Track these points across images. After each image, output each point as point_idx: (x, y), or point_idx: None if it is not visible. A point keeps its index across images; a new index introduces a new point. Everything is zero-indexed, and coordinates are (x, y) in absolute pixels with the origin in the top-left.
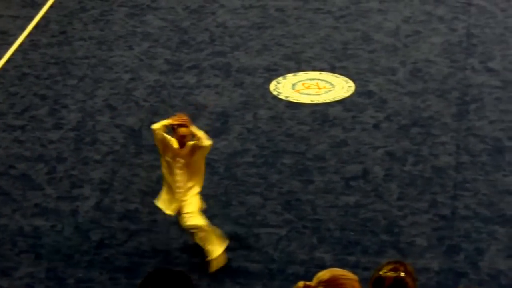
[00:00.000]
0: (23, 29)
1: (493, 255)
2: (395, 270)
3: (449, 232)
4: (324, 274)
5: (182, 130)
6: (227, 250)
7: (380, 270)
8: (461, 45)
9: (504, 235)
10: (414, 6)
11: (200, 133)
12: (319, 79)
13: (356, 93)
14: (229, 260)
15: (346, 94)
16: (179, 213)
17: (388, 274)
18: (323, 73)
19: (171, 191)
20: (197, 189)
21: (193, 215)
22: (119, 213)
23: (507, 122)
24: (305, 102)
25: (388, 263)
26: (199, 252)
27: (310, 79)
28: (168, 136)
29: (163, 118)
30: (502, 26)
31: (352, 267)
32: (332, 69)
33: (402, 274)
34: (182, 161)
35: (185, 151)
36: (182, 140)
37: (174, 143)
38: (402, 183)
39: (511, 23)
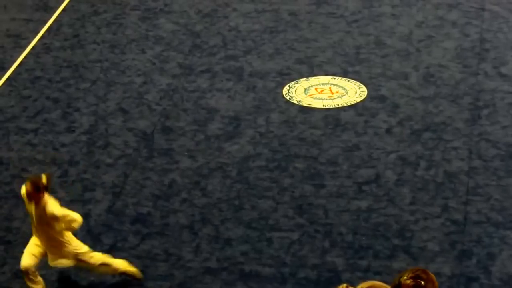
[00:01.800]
0: (36, 32)
1: (505, 260)
2: (416, 278)
3: (461, 237)
4: (365, 284)
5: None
6: (240, 253)
7: (401, 277)
8: (474, 50)
9: None
10: (427, 10)
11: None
12: (331, 84)
13: (368, 97)
14: (241, 263)
15: (359, 99)
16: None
17: (408, 281)
18: (336, 77)
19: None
20: None
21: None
22: (131, 217)
23: None
24: (318, 107)
25: (411, 270)
26: (212, 256)
27: (323, 84)
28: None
29: (176, 122)
30: None
31: (364, 272)
32: (345, 74)
33: (422, 283)
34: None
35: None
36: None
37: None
38: (414, 188)
39: None
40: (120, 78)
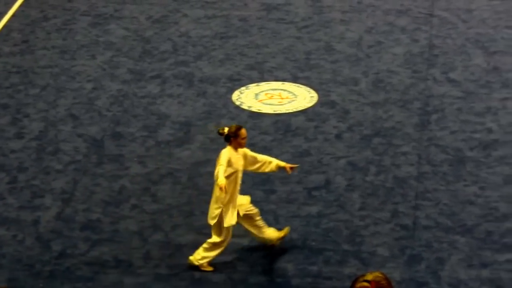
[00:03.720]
0: None
1: (454, 265)
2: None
3: (411, 242)
4: (369, 276)
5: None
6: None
7: (356, 281)
8: (423, 55)
9: (465, 245)
10: (377, 16)
11: None
12: (281, 89)
13: (318, 103)
14: (191, 269)
15: (309, 104)
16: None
17: (358, 285)
18: (286, 83)
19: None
20: None
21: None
22: (80, 223)
23: (468, 132)
24: (268, 112)
25: (370, 273)
26: (162, 262)
27: (273, 89)
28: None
29: (126, 128)
30: (464, 37)
31: (314, 277)
32: (295, 79)
33: (366, 284)
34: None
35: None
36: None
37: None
38: (364, 193)
39: (472, 34)
40: (70, 84)
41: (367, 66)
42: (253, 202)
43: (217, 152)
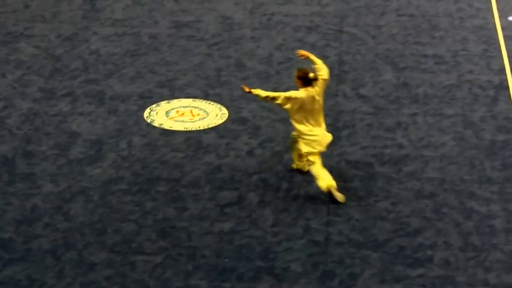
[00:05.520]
0: None
1: (367, 280)
2: None
3: (323, 257)
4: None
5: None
6: (104, 278)
7: None
8: (333, 72)
9: (377, 260)
10: (287, 33)
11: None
12: (193, 106)
13: (229, 120)
14: None
15: (220, 121)
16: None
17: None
18: (197, 100)
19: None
20: None
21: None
22: None
23: (379, 148)
24: (179, 129)
25: None
26: (75, 281)
27: (184, 106)
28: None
29: (37, 146)
30: (373, 53)
31: None
32: (206, 96)
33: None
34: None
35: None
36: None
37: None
38: (276, 209)
39: (381, 50)
40: None
41: (278, 82)
42: (165, 219)
43: (128, 170)
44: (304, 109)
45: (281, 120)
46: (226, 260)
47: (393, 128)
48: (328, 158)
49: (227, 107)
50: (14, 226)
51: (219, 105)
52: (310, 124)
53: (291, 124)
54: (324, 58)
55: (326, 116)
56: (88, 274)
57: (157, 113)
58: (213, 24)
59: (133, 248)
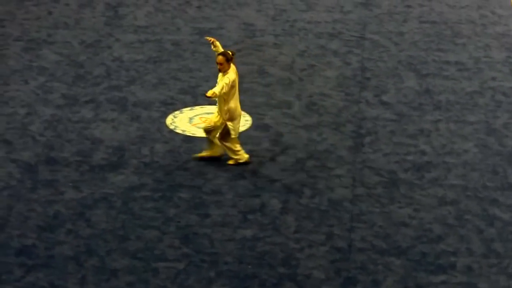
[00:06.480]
0: None
1: (389, 287)
2: None
3: (346, 264)
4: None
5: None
6: (126, 284)
7: None
8: (355, 78)
9: (400, 267)
10: (309, 40)
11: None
12: None
13: (252, 126)
14: None
15: (243, 128)
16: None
17: None
18: None
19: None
20: None
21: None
22: (15, 249)
23: (401, 154)
24: (202, 136)
25: None
26: (96, 286)
27: (207, 113)
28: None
29: (60, 153)
30: (395, 59)
31: None
32: None
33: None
34: None
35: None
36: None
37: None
38: (299, 216)
39: (404, 57)
40: (3, 109)
41: (300, 89)
42: (188, 226)
43: (151, 176)
44: (236, 87)
45: (304, 126)
46: (249, 266)
47: (415, 135)
48: (351, 165)
49: (249, 114)
50: (37, 233)
51: (242, 112)
52: (238, 101)
53: (220, 116)
54: (346, 64)
55: (348, 123)
56: (111, 280)
57: (180, 120)
58: (236, 31)
59: (155, 255)
